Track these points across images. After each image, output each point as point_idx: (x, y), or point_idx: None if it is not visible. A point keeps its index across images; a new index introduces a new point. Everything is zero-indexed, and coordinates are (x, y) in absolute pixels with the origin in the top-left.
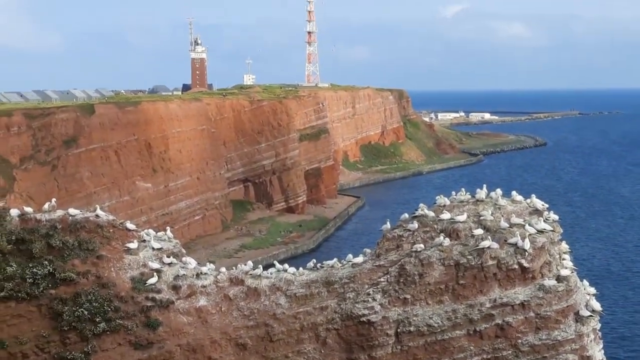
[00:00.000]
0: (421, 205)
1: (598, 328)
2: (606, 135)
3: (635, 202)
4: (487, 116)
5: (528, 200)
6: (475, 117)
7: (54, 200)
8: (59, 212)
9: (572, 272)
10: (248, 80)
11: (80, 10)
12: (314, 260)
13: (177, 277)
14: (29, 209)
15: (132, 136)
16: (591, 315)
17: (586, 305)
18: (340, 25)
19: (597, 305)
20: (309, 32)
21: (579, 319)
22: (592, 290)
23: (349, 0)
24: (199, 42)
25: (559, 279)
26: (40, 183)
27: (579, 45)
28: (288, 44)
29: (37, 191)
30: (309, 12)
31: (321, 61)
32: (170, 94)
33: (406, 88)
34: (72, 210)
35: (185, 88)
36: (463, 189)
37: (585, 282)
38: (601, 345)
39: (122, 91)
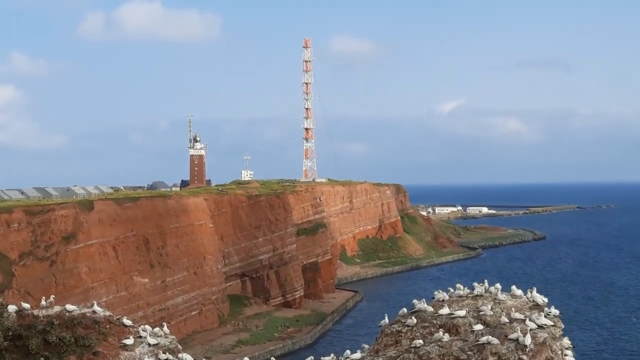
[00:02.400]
0: (414, 301)
1: None
2: (603, 228)
3: (633, 293)
4: (484, 210)
5: (528, 295)
6: (472, 211)
7: (52, 296)
8: (57, 308)
9: None
10: (246, 175)
11: (83, 110)
12: (312, 357)
13: None
14: (26, 305)
15: (130, 232)
16: None
17: None
18: (338, 121)
19: None
20: (306, 129)
21: None
22: None
23: (347, 98)
24: (198, 139)
25: None
26: (39, 279)
27: (576, 140)
28: (285, 140)
29: (35, 287)
30: (307, 109)
31: (318, 156)
32: (169, 189)
33: (403, 183)
34: (69, 306)
35: (184, 184)
36: (460, 285)
37: None
38: None
39: (122, 187)
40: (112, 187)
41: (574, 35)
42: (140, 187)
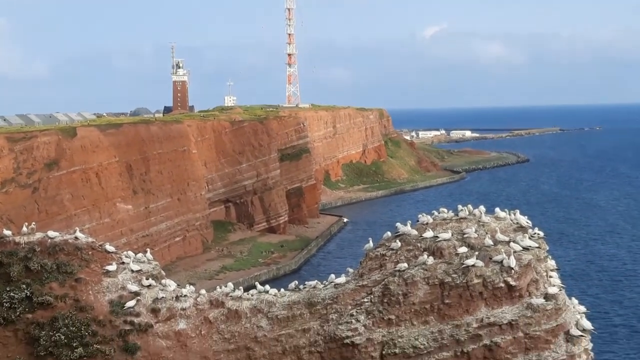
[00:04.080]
0: (398, 224)
1: (590, 348)
2: (585, 150)
3: (611, 211)
4: (468, 133)
5: (512, 217)
6: (456, 134)
7: (33, 223)
8: (38, 235)
9: (560, 290)
10: (229, 101)
11: (65, 35)
12: (296, 282)
13: (156, 299)
14: (8, 232)
15: (113, 158)
16: (582, 335)
17: (576, 324)
18: (321, 46)
19: (587, 324)
20: (289, 54)
21: (569, 338)
22: (582, 308)
23: (330, 23)
24: (181, 65)
25: (547, 297)
26: (21, 206)
27: (558, 63)
28: (269, 66)
29: (18, 214)
30: (289, 34)
31: (302, 82)
32: (152, 116)
33: (387, 107)
34: (51, 233)
35: (167, 110)
36: (444, 208)
37: (575, 300)
38: None
39: (105, 114)
40: (95, 114)
41: None
42: (123, 114)
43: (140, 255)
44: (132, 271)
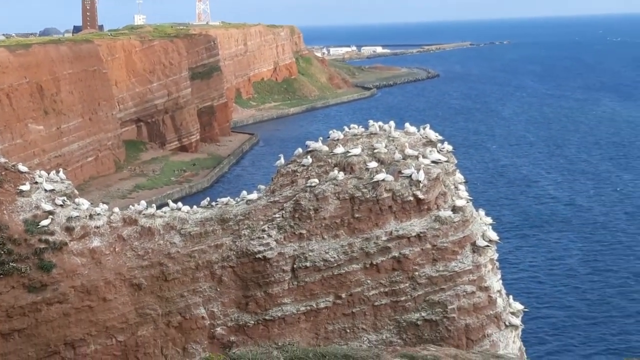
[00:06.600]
0: (308, 141)
1: (495, 258)
2: (493, 63)
3: (514, 121)
4: (379, 49)
5: (421, 131)
6: (367, 50)
7: None
8: None
9: (468, 203)
10: (139, 20)
11: None
12: (208, 199)
13: (70, 218)
14: None
15: (23, 79)
16: (488, 246)
17: (483, 236)
18: None
19: (493, 235)
20: None
21: (475, 249)
22: (489, 220)
23: None
24: None
25: (454, 209)
26: None
27: None
28: None
29: None
30: None
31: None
32: (61, 36)
33: (297, 24)
34: None
35: (76, 30)
36: (355, 125)
37: (482, 212)
38: (499, 276)
39: (13, 34)
40: (3, 34)
41: None
42: (32, 34)
43: (53, 174)
44: (46, 190)
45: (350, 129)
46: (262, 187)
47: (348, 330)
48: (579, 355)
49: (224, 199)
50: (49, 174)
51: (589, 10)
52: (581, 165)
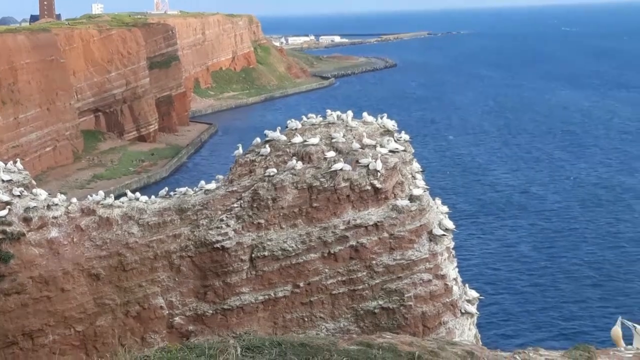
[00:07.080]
0: (266, 131)
1: (452, 246)
2: (449, 53)
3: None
4: (337, 39)
5: (379, 121)
6: (325, 40)
7: None
8: None
9: (425, 192)
10: (96, 9)
11: None
12: (167, 188)
13: (27, 209)
14: None
15: None
16: (444, 234)
17: (439, 224)
18: None
19: (450, 224)
20: None
21: (432, 238)
22: (445, 208)
23: None
24: None
25: (411, 198)
26: None
27: None
28: None
29: None
30: None
31: None
32: (18, 25)
33: (256, 13)
34: None
35: (34, 19)
36: (313, 114)
37: (438, 201)
38: (455, 264)
39: None
40: None
41: None
42: None
43: (10, 165)
44: (3, 181)
45: (308, 118)
46: (221, 177)
47: (306, 319)
48: (531, 340)
49: (182, 189)
50: (6, 164)
51: (542, 0)
52: (536, 154)
